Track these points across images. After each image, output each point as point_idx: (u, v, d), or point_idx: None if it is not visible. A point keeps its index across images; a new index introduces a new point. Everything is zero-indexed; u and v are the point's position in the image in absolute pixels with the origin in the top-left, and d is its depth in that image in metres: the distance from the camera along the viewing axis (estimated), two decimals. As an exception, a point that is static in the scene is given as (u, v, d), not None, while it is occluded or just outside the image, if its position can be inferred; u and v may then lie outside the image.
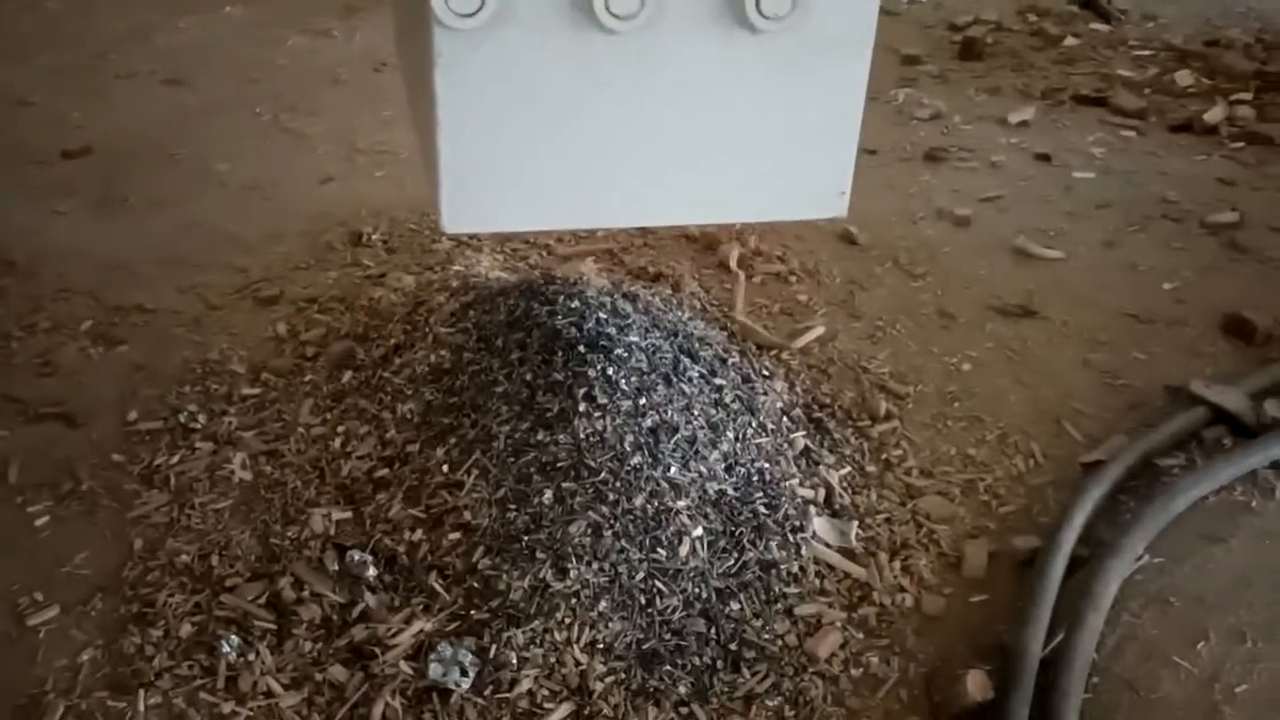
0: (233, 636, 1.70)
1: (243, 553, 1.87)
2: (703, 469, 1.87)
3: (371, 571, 1.77)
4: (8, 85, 3.86)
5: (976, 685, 1.63)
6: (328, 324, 2.47)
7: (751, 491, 1.90)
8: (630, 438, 1.84)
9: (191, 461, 2.08)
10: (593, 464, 1.80)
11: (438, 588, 1.74)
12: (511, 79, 1.42)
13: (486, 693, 1.62)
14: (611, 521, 1.76)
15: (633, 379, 1.92)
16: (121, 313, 2.58)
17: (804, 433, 2.13)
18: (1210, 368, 2.42)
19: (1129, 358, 2.48)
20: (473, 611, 1.71)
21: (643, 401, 1.89)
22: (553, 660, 1.66)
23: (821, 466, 2.07)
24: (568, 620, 1.68)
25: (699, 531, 1.80)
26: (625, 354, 1.96)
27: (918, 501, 2.05)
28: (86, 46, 4.26)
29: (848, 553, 1.91)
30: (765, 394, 2.15)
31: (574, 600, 1.70)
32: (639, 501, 1.79)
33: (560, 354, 1.94)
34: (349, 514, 1.89)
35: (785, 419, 2.14)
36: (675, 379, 1.98)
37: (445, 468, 1.86)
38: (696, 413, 1.95)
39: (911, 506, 2.04)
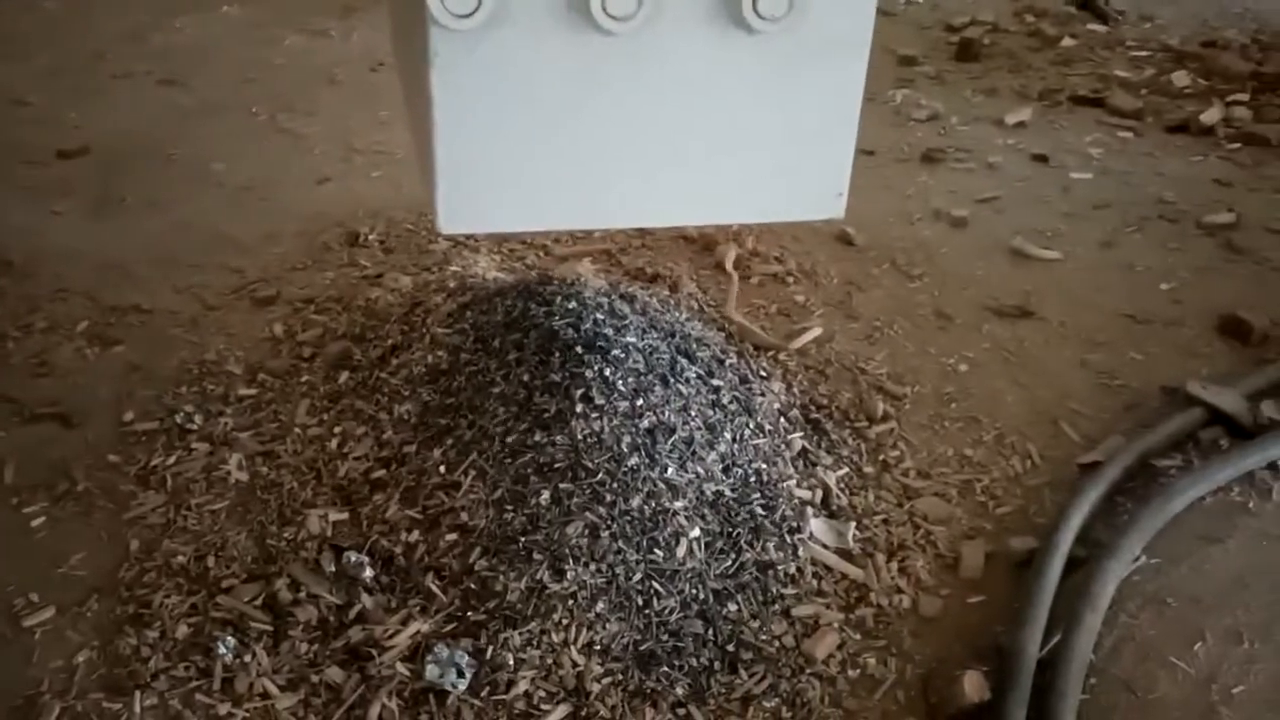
0: (229, 638, 1.70)
1: (239, 554, 1.86)
2: (700, 470, 1.87)
3: (368, 573, 1.77)
4: (5, 85, 3.86)
5: (973, 686, 1.62)
6: (324, 324, 2.47)
7: (749, 492, 1.90)
8: (627, 439, 1.84)
9: (188, 462, 2.08)
10: (590, 465, 1.80)
11: (434, 589, 1.74)
12: (508, 79, 1.42)
13: (483, 694, 1.62)
14: (609, 522, 1.76)
15: (630, 380, 1.92)
16: (118, 313, 2.58)
17: (801, 434, 2.13)
18: (1207, 368, 2.42)
19: (1126, 358, 2.48)
20: (470, 613, 1.70)
21: (640, 402, 1.89)
22: (550, 661, 1.66)
23: (819, 467, 2.07)
24: (565, 621, 1.68)
25: (696, 532, 1.80)
26: (622, 355, 1.96)
27: (915, 502, 2.05)
28: (83, 46, 4.26)
29: (845, 554, 1.91)
30: (762, 395, 2.15)
31: (571, 601, 1.69)
32: (636, 502, 1.78)
33: (557, 355, 1.93)
34: (346, 515, 1.88)
35: (782, 420, 2.14)
36: (672, 380, 1.98)
37: (442, 469, 1.86)
38: (694, 414, 1.95)
39: (909, 507, 2.04)
